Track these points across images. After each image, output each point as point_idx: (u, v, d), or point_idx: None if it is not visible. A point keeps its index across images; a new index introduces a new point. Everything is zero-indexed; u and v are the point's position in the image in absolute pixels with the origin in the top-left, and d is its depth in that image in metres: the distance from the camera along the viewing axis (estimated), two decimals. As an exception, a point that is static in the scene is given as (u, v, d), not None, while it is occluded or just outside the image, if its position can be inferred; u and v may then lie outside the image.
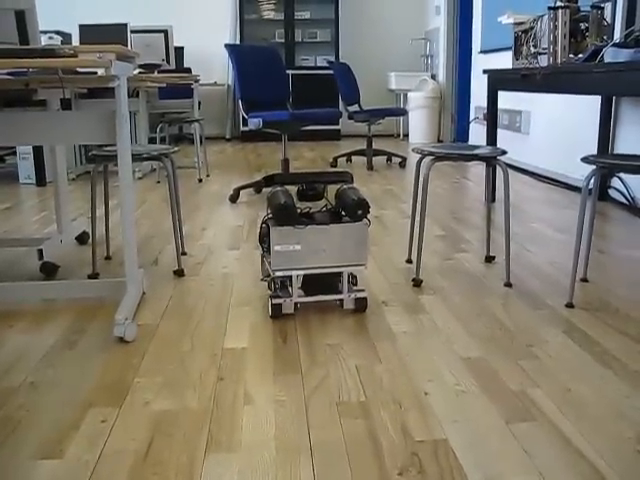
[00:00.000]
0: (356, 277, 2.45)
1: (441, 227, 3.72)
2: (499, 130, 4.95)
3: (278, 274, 2.30)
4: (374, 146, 6.32)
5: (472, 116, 7.31)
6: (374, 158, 6.32)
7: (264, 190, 4.86)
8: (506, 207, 2.66)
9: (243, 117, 4.81)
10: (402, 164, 6.29)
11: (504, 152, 2.66)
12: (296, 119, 4.33)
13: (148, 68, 6.32)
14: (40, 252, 2.83)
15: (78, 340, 2.20)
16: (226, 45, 4.57)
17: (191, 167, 6.24)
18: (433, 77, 8.65)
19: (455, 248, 3.27)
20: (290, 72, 8.60)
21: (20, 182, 5.69)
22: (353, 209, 2.28)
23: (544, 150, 5.51)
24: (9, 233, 3.73)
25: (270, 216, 2.32)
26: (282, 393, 1.81)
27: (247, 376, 1.91)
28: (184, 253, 3.23)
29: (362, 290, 2.41)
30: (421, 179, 2.74)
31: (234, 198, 4.58)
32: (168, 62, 6.59)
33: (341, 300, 2.40)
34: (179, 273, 2.89)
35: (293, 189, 2.49)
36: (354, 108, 6.39)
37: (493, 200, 4.37)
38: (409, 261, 3.02)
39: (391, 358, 2.02)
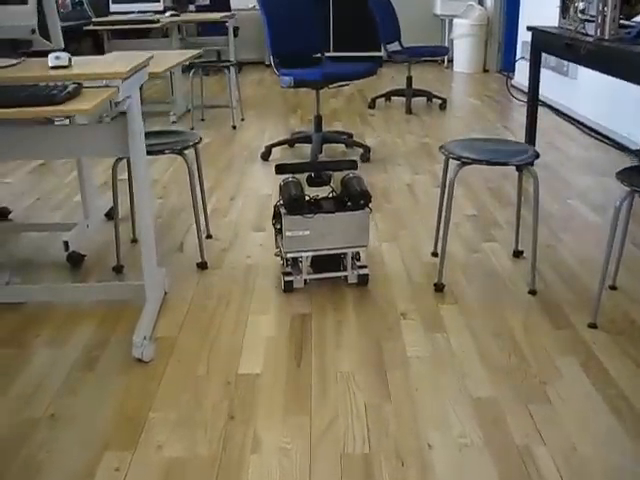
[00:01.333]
0: (359, 253, 2.73)
1: (473, 202, 3.64)
2: (544, 71, 4.70)
3: (289, 255, 2.62)
4: (415, 79, 6.11)
5: (519, 49, 6.97)
6: (413, 99, 6.12)
7: (296, 145, 4.78)
8: (535, 216, 2.58)
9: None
10: (443, 106, 6.09)
11: (537, 155, 2.55)
12: (329, 78, 4.20)
13: (181, 5, 6.15)
14: (66, 244, 2.87)
15: (99, 357, 2.26)
16: (257, -5, 4.40)
17: (225, 106, 6.13)
18: (481, 2, 8.22)
19: (484, 234, 3.20)
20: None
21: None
22: (357, 199, 2.59)
23: (590, 98, 5.26)
24: (40, 203, 3.79)
25: (281, 202, 2.62)
26: (288, 439, 1.85)
27: (258, 413, 1.95)
28: (209, 236, 3.24)
29: (364, 267, 2.70)
30: (447, 184, 2.65)
31: (266, 156, 4.52)
32: (202, -4, 6.40)
33: (346, 276, 2.69)
34: (202, 266, 2.91)
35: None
36: (394, 46, 6.15)
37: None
38: (435, 254, 2.97)
39: (401, 394, 2.03)
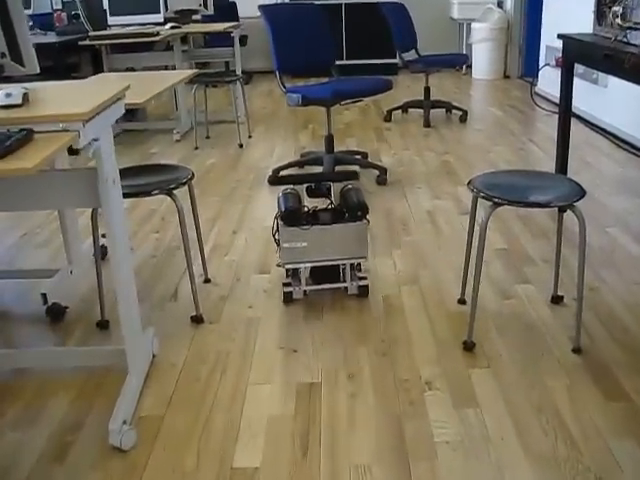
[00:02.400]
0: (360, 264, 2.73)
1: (502, 233, 3.27)
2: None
3: (288, 266, 2.62)
4: (433, 87, 5.74)
5: (543, 53, 6.57)
6: (432, 110, 5.75)
7: (307, 167, 4.43)
8: (580, 262, 2.21)
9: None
10: (463, 118, 5.71)
11: (582, 194, 2.18)
12: (339, 95, 3.85)
13: (184, 15, 5.84)
14: (44, 296, 2.54)
15: (72, 443, 1.93)
16: (260, 7, 4.06)
17: (232, 122, 5.78)
18: (500, 5, 7.83)
19: (517, 274, 2.83)
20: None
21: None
22: (354, 211, 2.57)
23: (623, 108, 4.86)
24: (25, 240, 3.47)
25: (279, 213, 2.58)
26: None
27: (254, 527, 1.60)
28: (207, 280, 2.90)
29: (364, 278, 2.69)
30: (478, 227, 2.29)
31: (273, 180, 4.17)
32: (205, 6, 6.09)
33: (346, 287, 2.68)
34: (197, 320, 2.57)
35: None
36: (410, 54, 5.79)
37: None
38: (462, 301, 2.61)
39: (428, 499, 1.67)
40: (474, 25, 7.67)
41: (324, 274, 2.66)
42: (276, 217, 2.61)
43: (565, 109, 3.63)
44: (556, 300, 2.60)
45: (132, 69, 5.93)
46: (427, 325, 2.47)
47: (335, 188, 2.73)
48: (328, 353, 2.32)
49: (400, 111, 6.05)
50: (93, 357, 2.28)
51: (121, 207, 2.02)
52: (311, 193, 2.72)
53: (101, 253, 3.06)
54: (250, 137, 5.50)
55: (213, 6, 6.73)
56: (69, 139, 1.61)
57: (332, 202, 2.67)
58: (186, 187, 2.57)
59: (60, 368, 2.29)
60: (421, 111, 5.77)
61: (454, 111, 5.90)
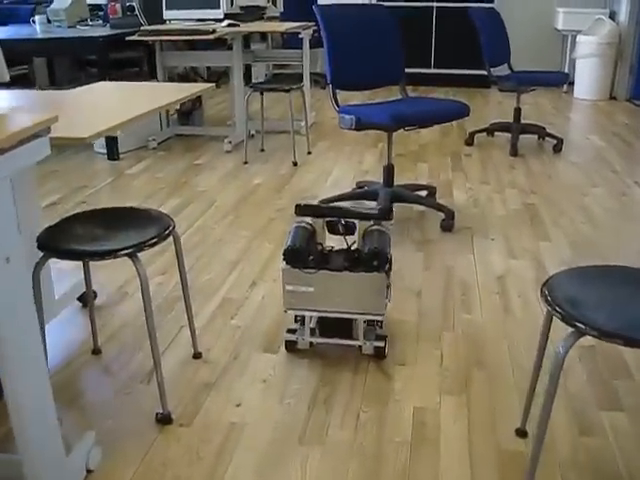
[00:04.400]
0: (382, 322, 2.32)
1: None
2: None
3: (290, 312, 2.24)
4: (525, 107, 4.93)
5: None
6: (522, 136, 4.95)
7: (359, 202, 3.74)
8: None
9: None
10: (557, 148, 4.88)
11: None
12: (401, 122, 3.14)
13: (249, 12, 5.24)
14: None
15: None
16: (316, 7, 3.40)
17: (295, 132, 5.15)
18: (612, 16, 6.88)
19: (605, 393, 2.07)
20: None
21: (95, 151, 4.94)
22: (369, 260, 2.14)
23: None
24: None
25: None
26: None
27: None
28: (197, 355, 2.27)
29: (384, 337, 2.26)
30: (550, 364, 1.56)
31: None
32: (274, 3, 5.48)
33: (360, 345, 2.26)
34: (163, 420, 1.94)
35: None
36: (502, 69, 5.00)
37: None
38: (522, 433, 1.87)
39: None
40: (580, 38, 6.76)
41: (334, 327, 2.26)
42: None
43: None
44: (660, 446, 1.83)
45: (193, 69, 5.41)
46: (467, 470, 1.75)
47: (361, 227, 2.30)
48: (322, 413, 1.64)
49: (485, 134, 5.27)
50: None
51: (26, 296, 1.41)
52: (331, 229, 2.33)
53: (84, 300, 2.51)
54: (309, 153, 4.86)
55: (288, 4, 6.13)
56: None
57: (349, 245, 2.25)
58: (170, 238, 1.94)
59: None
60: (509, 135, 4.98)
61: (547, 138, 5.07)
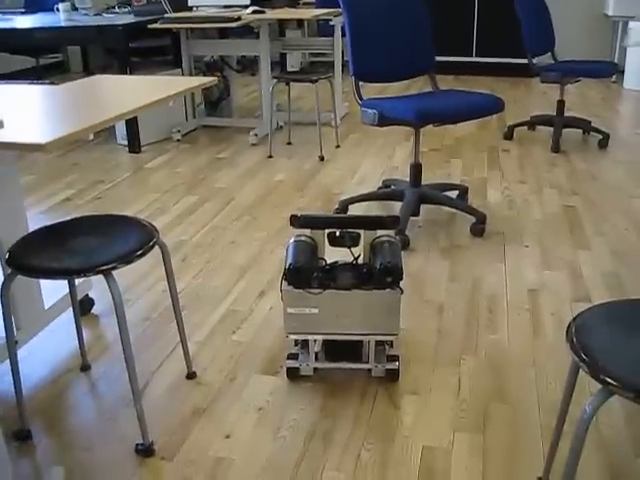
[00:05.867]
0: (392, 341, 2.10)
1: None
2: None
3: (293, 337, 2.03)
4: (571, 98, 4.63)
5: None
6: (565, 130, 4.64)
7: (384, 202, 3.51)
8: None
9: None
10: (603, 143, 4.56)
11: None
12: (427, 118, 2.90)
13: (280, -1, 5.02)
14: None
15: None
16: (341, -6, 3.15)
17: (324, 124, 4.93)
18: (669, 2, 6.45)
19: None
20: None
21: (117, 142, 4.80)
22: (382, 275, 1.94)
23: None
24: None
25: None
26: None
27: None
28: (191, 375, 2.08)
29: (395, 358, 2.04)
30: (577, 426, 1.31)
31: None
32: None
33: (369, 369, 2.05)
34: (144, 452, 1.75)
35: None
36: (546, 58, 4.69)
37: None
38: (545, 482, 1.63)
39: None
40: (632, 24, 6.35)
41: (341, 350, 2.06)
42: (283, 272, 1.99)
43: None
44: None
45: (222, 58, 5.21)
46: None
47: (366, 238, 2.10)
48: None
49: (526, 127, 4.96)
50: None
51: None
52: (332, 241, 2.08)
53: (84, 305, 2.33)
54: (338, 147, 4.63)
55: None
56: None
57: (355, 258, 2.07)
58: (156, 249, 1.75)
59: None
60: (551, 130, 4.66)
61: (593, 133, 4.74)
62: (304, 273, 1.94)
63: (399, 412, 1.90)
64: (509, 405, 1.92)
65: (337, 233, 2.07)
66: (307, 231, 2.09)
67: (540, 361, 2.13)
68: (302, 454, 1.75)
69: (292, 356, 2.06)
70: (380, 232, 2.08)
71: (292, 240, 2.09)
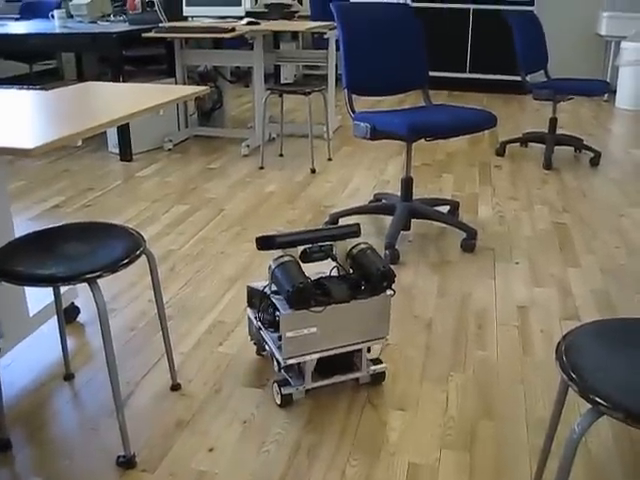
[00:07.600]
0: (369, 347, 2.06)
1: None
2: None
3: (291, 362, 1.93)
4: (563, 116, 4.63)
5: None
6: (557, 148, 4.65)
7: (374, 216, 3.49)
8: None
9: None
10: (595, 161, 4.57)
11: None
12: (419, 133, 2.89)
13: (274, 10, 5.02)
14: None
15: None
16: (334, 4, 3.16)
17: (316, 137, 4.92)
18: (661, 23, 6.50)
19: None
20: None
21: (109, 150, 4.78)
22: (378, 281, 1.95)
23: None
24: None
25: (275, 290, 1.97)
26: None
27: None
28: (175, 387, 2.05)
29: (379, 361, 2.07)
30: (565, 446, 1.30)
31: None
32: (300, 2, 5.26)
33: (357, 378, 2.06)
34: (125, 464, 1.72)
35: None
36: (538, 75, 4.71)
37: None
38: (533, 501, 1.61)
39: None
40: (624, 44, 6.40)
41: (333, 364, 2.01)
42: (266, 294, 1.98)
43: None
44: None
45: (215, 68, 5.21)
46: None
47: (340, 249, 2.07)
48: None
49: (518, 144, 4.97)
50: None
51: None
52: (306, 258, 2.04)
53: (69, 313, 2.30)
54: (329, 160, 4.62)
55: (319, 4, 5.90)
56: None
57: (340, 266, 2.06)
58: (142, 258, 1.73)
59: None
60: (544, 147, 4.68)
61: (584, 151, 4.75)
62: (307, 293, 1.88)
63: (385, 428, 1.88)
64: (497, 423, 1.90)
65: (307, 250, 2.04)
66: (291, 251, 2.05)
67: (529, 378, 2.11)
68: (286, 469, 1.72)
69: (283, 383, 1.97)
70: (353, 241, 2.06)
71: (277, 262, 1.98)
